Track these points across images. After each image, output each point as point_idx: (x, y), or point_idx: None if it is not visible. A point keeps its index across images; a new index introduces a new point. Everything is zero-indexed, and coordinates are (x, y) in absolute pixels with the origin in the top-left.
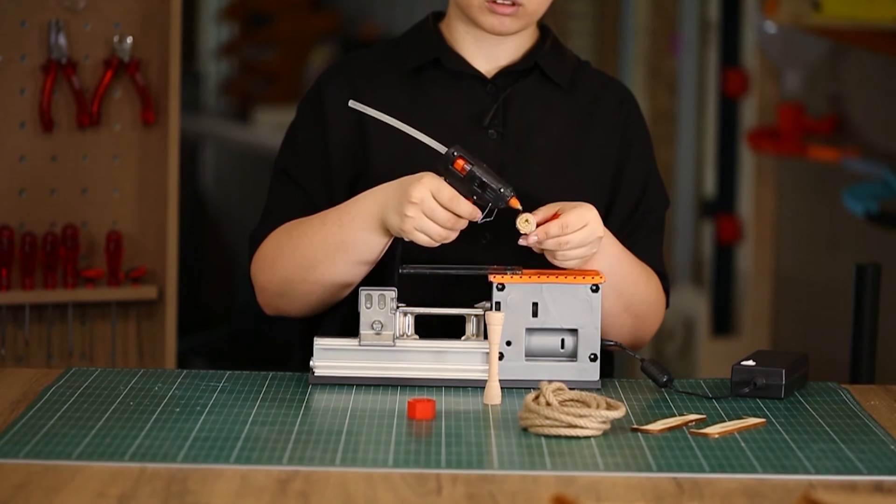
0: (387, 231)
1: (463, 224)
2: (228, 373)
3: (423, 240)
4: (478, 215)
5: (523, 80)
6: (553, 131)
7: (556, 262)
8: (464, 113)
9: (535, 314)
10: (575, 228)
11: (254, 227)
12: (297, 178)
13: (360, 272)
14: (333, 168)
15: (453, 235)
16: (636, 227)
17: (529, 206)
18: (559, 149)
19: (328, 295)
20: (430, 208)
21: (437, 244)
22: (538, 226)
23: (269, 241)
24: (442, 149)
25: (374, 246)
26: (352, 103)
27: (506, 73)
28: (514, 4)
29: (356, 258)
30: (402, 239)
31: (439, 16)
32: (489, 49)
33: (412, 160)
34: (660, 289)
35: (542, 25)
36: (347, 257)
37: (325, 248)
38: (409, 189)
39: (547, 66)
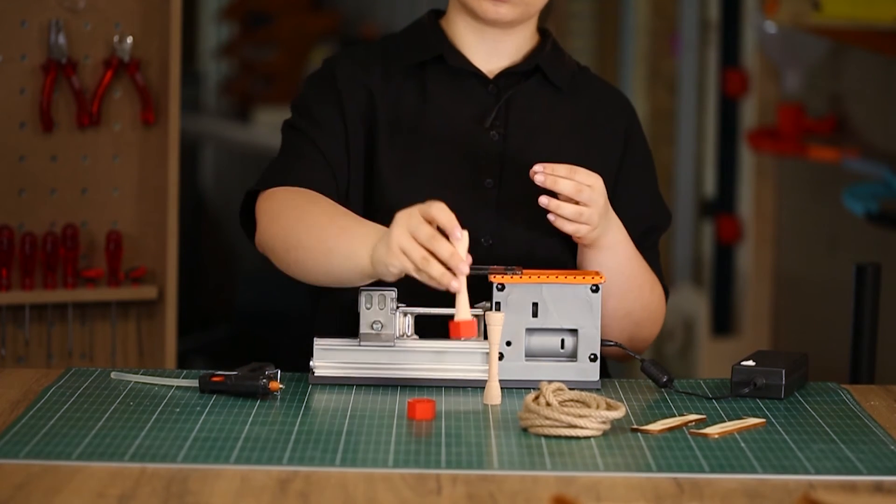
0: (370, 266)
1: (445, 250)
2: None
3: (404, 263)
4: (455, 224)
5: (524, 82)
6: (554, 134)
7: (561, 222)
8: (466, 112)
9: (535, 314)
10: (583, 180)
11: (260, 179)
12: (314, 136)
13: (328, 283)
14: (349, 136)
15: (433, 266)
16: (642, 242)
17: (531, 213)
18: (560, 152)
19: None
20: (416, 224)
21: (416, 269)
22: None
23: (283, 196)
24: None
25: (350, 274)
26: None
27: (507, 74)
28: None
29: (332, 273)
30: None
31: (438, 14)
32: (490, 47)
33: (419, 146)
34: (662, 300)
35: (543, 29)
36: (327, 263)
37: (316, 242)
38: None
39: (548, 69)
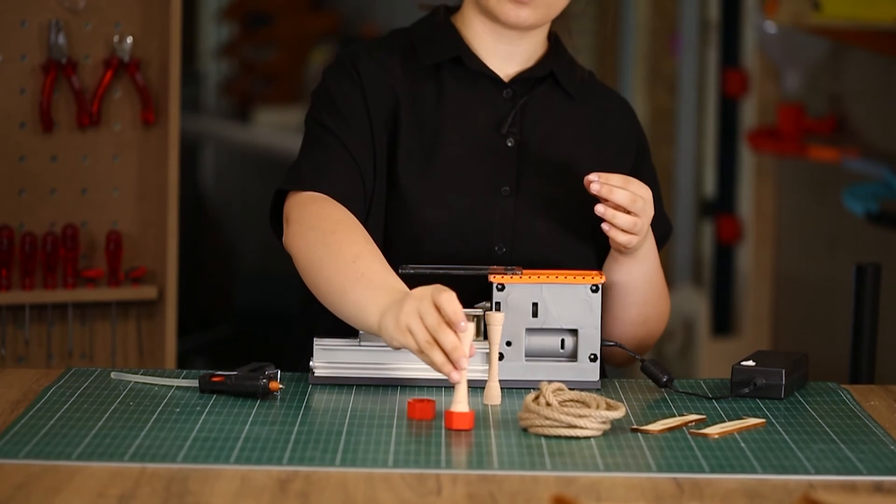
0: (377, 328)
1: (449, 343)
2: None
3: (408, 342)
4: (460, 317)
5: (538, 88)
6: (567, 141)
7: (615, 232)
8: (482, 116)
9: (535, 314)
10: (637, 191)
11: (289, 177)
12: (342, 135)
13: (337, 315)
14: (374, 136)
15: (436, 353)
16: None
17: (546, 222)
18: (573, 158)
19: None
20: (426, 308)
21: (419, 351)
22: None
23: (312, 209)
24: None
25: (357, 324)
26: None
27: (522, 78)
28: None
29: (340, 312)
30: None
31: (448, 10)
32: (505, 50)
33: (437, 147)
34: (670, 307)
35: (554, 36)
36: (339, 303)
37: (334, 278)
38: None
39: (561, 75)
